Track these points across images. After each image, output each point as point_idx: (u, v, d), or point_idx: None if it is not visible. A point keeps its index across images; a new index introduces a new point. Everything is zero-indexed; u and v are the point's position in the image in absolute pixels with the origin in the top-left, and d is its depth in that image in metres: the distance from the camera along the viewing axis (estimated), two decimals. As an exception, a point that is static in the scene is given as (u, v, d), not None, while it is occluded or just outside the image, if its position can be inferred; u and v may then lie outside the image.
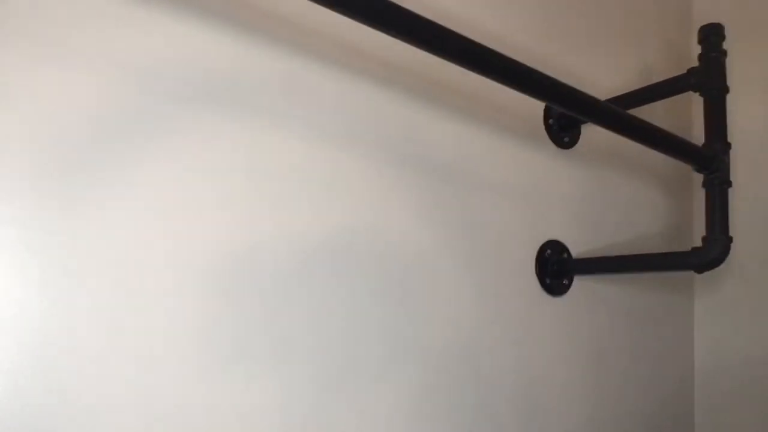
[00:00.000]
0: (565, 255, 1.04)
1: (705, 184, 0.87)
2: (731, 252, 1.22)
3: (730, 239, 0.84)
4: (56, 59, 0.56)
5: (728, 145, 0.86)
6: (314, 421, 0.71)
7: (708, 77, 0.88)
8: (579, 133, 1.10)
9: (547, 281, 1.01)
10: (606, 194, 1.13)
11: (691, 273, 1.24)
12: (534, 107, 1.03)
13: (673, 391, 1.25)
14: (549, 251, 1.02)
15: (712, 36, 0.91)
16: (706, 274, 1.20)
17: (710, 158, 0.84)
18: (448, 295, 0.87)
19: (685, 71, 0.92)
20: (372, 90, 0.79)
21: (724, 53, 0.90)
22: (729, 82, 0.91)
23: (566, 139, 1.08)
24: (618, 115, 0.81)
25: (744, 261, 1.23)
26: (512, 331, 0.96)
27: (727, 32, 0.94)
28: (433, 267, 0.85)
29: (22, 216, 0.53)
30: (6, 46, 0.53)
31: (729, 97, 0.91)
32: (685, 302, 1.30)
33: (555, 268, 1.02)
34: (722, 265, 1.22)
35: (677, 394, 1.27)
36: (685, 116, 1.28)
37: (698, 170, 0.86)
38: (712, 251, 0.83)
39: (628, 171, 1.17)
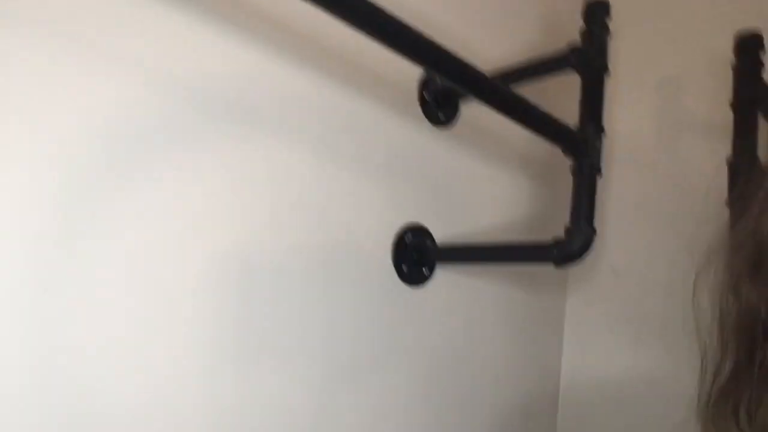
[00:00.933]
0: (428, 242, 0.94)
1: (573, 170, 0.78)
2: (603, 250, 1.16)
3: (594, 231, 0.75)
4: (104, 64, 0.59)
5: (601, 130, 0.78)
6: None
7: (587, 55, 0.80)
8: (456, 112, 1.00)
9: (404, 269, 0.91)
10: (480, 179, 1.04)
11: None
12: (408, 78, 0.93)
13: (536, 395, 1.17)
14: (409, 236, 0.91)
15: (596, 12, 0.83)
16: (581, 271, 1.13)
17: (581, 141, 0.76)
18: (303, 279, 0.77)
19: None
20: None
21: (608, 31, 0.82)
22: (614, 69, 0.84)
23: (441, 117, 0.98)
24: (502, 90, 0.71)
25: (616, 260, 1.16)
26: (364, 323, 0.85)
27: (618, 14, 0.86)
28: (284, 254, 0.75)
29: (48, 218, 0.56)
30: (57, 50, 0.56)
31: (611, 85, 0.83)
32: (558, 300, 1.22)
33: (415, 255, 0.92)
34: (594, 264, 1.17)
35: (540, 399, 1.19)
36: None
37: (567, 154, 0.77)
38: (573, 243, 0.75)
39: (505, 155, 1.09)
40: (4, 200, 0.53)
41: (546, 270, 1.08)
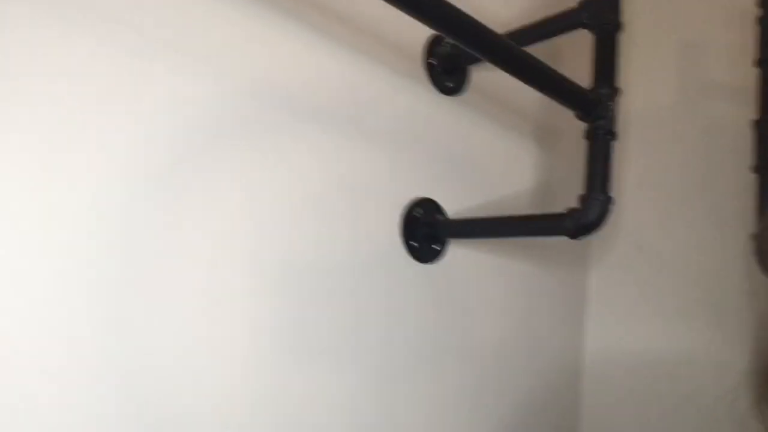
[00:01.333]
0: (438, 216, 0.90)
1: (587, 135, 0.74)
2: (623, 222, 1.11)
3: (610, 199, 0.71)
4: (188, 66, 0.63)
5: (616, 90, 0.73)
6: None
7: (599, 11, 0.75)
8: (465, 79, 0.96)
9: (414, 245, 0.87)
10: (492, 148, 0.99)
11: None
12: (413, 43, 0.88)
13: (558, 375, 1.14)
14: (419, 210, 0.88)
15: (609, -34, 0.78)
16: (603, 246, 1.09)
17: (594, 103, 0.71)
18: (329, 270, 0.76)
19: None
20: None
21: (622, -15, 0.77)
22: (630, 28, 0.79)
23: (450, 84, 0.94)
24: (509, 47, 0.66)
25: (639, 233, 1.11)
26: (373, 304, 0.82)
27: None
28: (290, 224, 0.72)
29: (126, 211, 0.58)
30: (137, 50, 0.59)
31: (627, 45, 0.79)
32: (579, 276, 1.18)
33: (425, 230, 0.88)
34: (616, 238, 1.13)
35: (562, 376, 1.15)
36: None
37: (580, 117, 0.73)
38: (588, 213, 0.71)
39: (518, 124, 1.04)
40: (90, 192, 0.56)
41: (566, 245, 1.04)
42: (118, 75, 0.58)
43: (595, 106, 0.71)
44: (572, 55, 0.95)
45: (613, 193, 0.74)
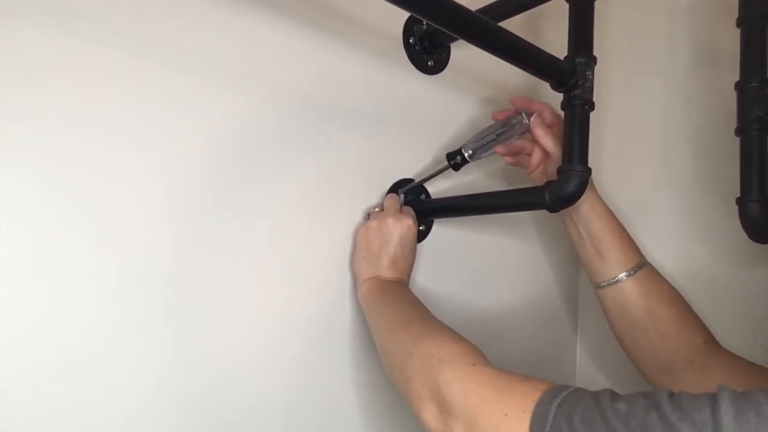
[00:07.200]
0: (423, 196, 0.89)
1: (564, 105, 0.72)
2: (609, 192, 1.09)
3: (588, 170, 0.70)
4: (236, 82, 0.70)
5: (593, 59, 0.72)
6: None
7: (574, -21, 0.73)
8: (447, 57, 0.94)
9: (398, 226, 0.86)
10: (474, 126, 0.98)
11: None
12: (392, 23, 0.87)
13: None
14: (402, 192, 0.87)
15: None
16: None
17: (569, 72, 0.70)
18: (295, 241, 0.76)
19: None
20: None
21: (595, -48, 0.75)
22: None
23: (430, 63, 0.92)
24: (477, 20, 0.64)
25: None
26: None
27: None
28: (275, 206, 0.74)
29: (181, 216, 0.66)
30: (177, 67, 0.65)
31: (607, 9, 0.77)
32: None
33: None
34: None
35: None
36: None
37: (555, 88, 0.72)
38: (566, 186, 0.69)
39: (501, 100, 1.02)
40: (160, 191, 0.64)
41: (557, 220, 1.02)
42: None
43: (570, 75, 0.70)
44: (555, 26, 0.94)
45: (596, 163, 0.72)
